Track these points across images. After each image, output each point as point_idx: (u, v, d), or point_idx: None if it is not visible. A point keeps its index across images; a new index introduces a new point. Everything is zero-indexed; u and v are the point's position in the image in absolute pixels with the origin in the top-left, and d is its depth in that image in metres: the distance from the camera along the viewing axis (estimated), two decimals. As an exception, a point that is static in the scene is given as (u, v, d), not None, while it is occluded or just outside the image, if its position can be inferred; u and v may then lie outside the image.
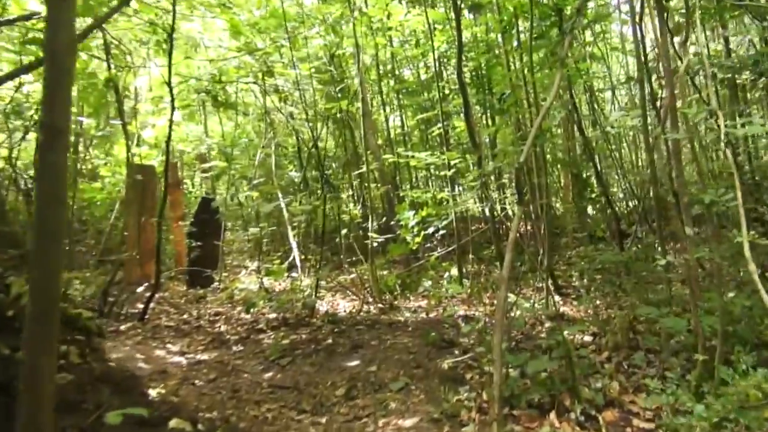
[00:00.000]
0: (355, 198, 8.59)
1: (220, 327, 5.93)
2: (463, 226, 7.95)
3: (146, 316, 6.10)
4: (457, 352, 4.43)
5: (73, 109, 6.63)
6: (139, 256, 8.99)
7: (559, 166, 8.39)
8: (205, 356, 4.99)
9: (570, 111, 6.40)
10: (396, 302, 6.72)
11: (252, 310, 5.88)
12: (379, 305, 6.54)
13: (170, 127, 5.77)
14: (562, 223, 8.62)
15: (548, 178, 6.64)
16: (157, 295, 8.24)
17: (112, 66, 6.04)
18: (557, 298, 5.93)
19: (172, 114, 5.77)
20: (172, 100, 5.76)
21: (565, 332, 3.69)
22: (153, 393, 3.03)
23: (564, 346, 2.95)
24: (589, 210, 8.55)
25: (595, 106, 8.28)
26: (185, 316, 6.56)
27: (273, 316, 6.15)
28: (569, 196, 8.73)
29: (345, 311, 6.50)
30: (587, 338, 4.44)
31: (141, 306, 6.31)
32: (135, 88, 9.05)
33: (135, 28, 6.50)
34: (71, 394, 2.68)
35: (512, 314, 5.56)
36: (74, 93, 6.85)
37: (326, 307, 6.66)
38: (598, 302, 5.42)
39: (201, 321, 6.25)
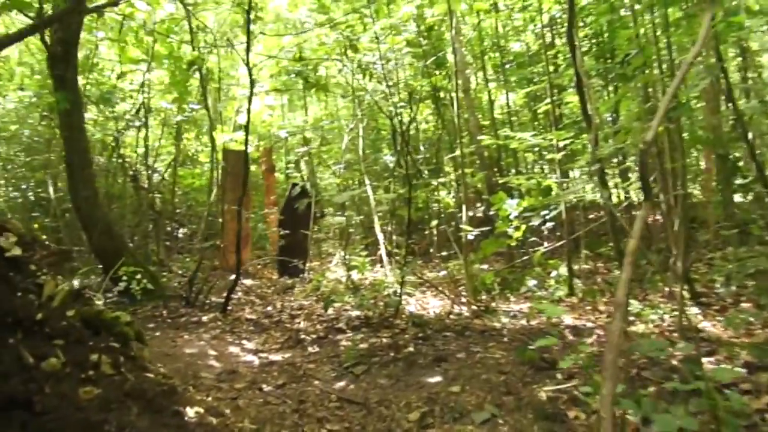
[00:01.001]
0: (450, 185, 7.95)
1: (299, 323, 5.66)
2: (576, 217, 7.02)
3: (228, 308, 6.00)
4: (559, 376, 3.70)
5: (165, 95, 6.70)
6: (234, 242, 9.12)
7: (699, 146, 7.09)
8: (278, 356, 4.72)
9: (717, 77, 5.23)
10: (493, 304, 6.04)
11: (330, 308, 5.52)
12: (473, 307, 5.90)
13: (249, 109, 5.54)
14: (703, 216, 7.31)
15: (685, 160, 5.52)
16: (249, 282, 8.32)
17: (196, 49, 5.93)
18: (695, 309, 4.91)
19: (251, 95, 5.53)
20: (251, 81, 5.52)
21: (705, 363, 2.84)
22: (190, 412, 2.71)
23: (707, 397, 2.17)
24: (738, 199, 7.15)
25: (750, 71, 6.85)
26: (269, 309, 6.41)
27: (355, 314, 5.77)
28: (711, 183, 7.38)
29: (433, 312, 5.95)
30: (738, 368, 3.49)
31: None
32: (225, 72, 9.09)
33: (221, 9, 6.37)
34: (95, 412, 2.42)
35: (632, 329, 4.67)
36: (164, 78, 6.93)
37: (413, 306, 6.15)
38: (751, 319, 4.36)
39: (282, 315, 6.04)
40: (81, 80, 6.64)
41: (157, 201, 10.36)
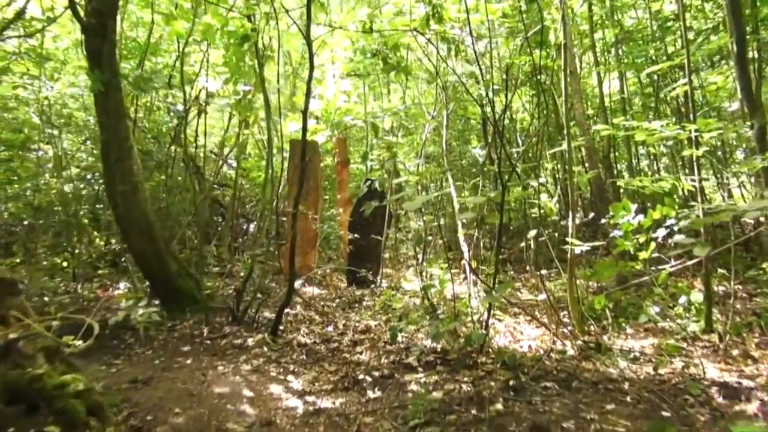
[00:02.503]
0: (551, 186, 6.68)
1: (361, 353, 4.74)
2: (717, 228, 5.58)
3: (280, 328, 5.20)
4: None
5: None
6: (301, 244, 8.40)
7: None
8: (328, 402, 3.83)
9: None
10: (605, 337, 4.83)
11: (397, 337, 4.56)
12: (579, 341, 4.72)
13: (308, 89, 4.67)
14: None
15: None
16: (313, 290, 7.56)
17: (250, 20, 5.14)
18: None
19: (311, 75, 4.67)
20: (311, 58, 4.65)
21: None
22: None
23: None
24: None
25: None
26: (329, 329, 5.56)
27: (430, 344, 4.77)
28: None
29: (528, 347, 4.82)
30: None
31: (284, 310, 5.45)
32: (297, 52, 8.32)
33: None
34: None
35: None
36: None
37: (503, 337, 5.05)
38: None
39: (343, 339, 5.16)
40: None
41: (223, 195, 9.91)
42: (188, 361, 4.33)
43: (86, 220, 6.98)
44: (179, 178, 8.09)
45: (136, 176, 5.24)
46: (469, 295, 5.30)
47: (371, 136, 8.99)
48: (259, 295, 5.81)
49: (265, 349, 4.73)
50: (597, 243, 5.04)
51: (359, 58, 7.92)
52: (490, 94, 5.17)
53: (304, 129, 4.83)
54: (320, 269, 8.70)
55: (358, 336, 5.29)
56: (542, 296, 5.18)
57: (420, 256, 7.63)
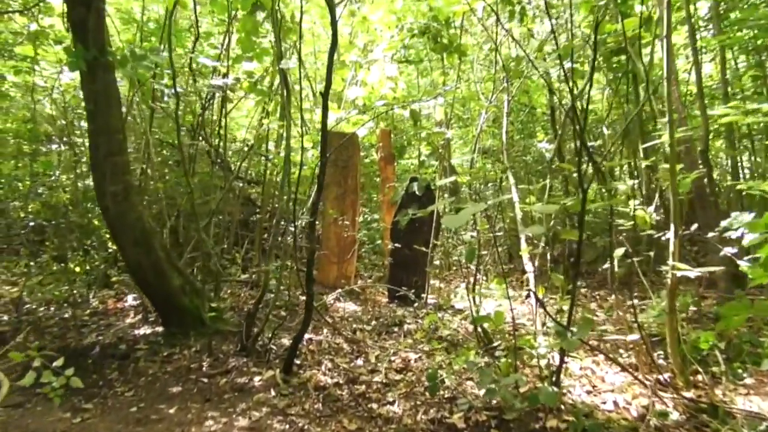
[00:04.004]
0: (641, 189, 5.46)
1: (393, 403, 3.78)
2: None
3: (295, 362, 4.31)
4: None
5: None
6: (337, 252, 7.53)
7: None
8: (342, 481, 2.88)
9: None
10: (717, 391, 3.69)
11: (437, 391, 3.57)
12: (684, 396, 3.59)
13: (329, 68, 3.75)
14: None
15: None
16: (347, 307, 6.66)
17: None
18: None
19: (332, 51, 3.73)
20: (333, 24, 3.71)
21: None
22: None
23: None
24: None
25: None
26: (358, 362, 4.62)
27: (482, 395, 3.75)
28: None
29: (614, 404, 3.71)
30: None
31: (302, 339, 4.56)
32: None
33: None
34: None
35: None
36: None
37: (579, 389, 3.95)
38: None
39: (373, 379, 4.22)
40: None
41: (258, 193, 9.17)
42: (172, 410, 3.49)
43: (97, 221, 6.35)
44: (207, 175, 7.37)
45: (130, 174, 4.47)
46: (535, 327, 4.23)
47: (414, 128, 7.98)
48: (274, 318, 4.94)
49: (273, 393, 3.84)
50: (712, 268, 3.85)
51: (407, 35, 6.93)
52: (566, 67, 4.08)
53: (325, 115, 3.90)
54: (360, 281, 7.81)
55: (392, 375, 4.32)
56: (634, 337, 4.03)
57: (472, 273, 6.58)
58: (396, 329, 5.74)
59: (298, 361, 4.40)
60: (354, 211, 7.64)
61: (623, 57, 5.90)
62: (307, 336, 5.10)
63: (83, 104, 7.01)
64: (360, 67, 8.20)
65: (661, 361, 4.30)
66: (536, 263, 4.49)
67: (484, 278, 8.86)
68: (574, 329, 3.20)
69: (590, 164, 3.66)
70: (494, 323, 3.88)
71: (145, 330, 5.09)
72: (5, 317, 5.50)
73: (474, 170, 4.52)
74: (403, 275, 7.02)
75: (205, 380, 3.97)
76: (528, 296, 7.23)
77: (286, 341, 4.91)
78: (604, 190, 3.89)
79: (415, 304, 6.44)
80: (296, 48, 4.86)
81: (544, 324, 4.39)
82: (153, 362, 4.24)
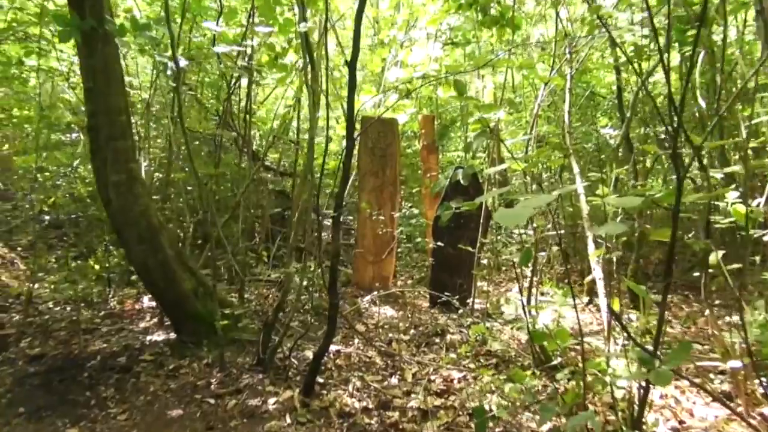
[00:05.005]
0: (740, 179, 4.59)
1: (430, 436, 3.14)
2: None
3: (318, 380, 3.73)
4: None
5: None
6: (373, 250, 6.92)
7: None
8: None
9: None
10: None
11: (484, 429, 2.91)
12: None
13: (356, 35, 3.13)
14: None
15: None
16: (383, 312, 6.04)
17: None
18: None
19: (361, 8, 3.11)
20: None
21: None
22: None
23: None
24: None
25: None
26: (392, 381, 4.00)
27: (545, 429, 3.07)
28: None
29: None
30: None
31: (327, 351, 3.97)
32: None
33: None
34: None
35: None
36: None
37: (663, 427, 3.22)
38: None
39: (410, 403, 3.58)
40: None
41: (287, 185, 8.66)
42: (164, 443, 2.97)
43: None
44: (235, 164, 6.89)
45: (134, 162, 3.97)
46: (607, 348, 3.50)
47: (459, 99, 7.26)
48: (297, 327, 4.37)
49: (289, 420, 3.27)
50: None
51: (452, 6, 6.24)
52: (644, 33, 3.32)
53: (352, 88, 3.28)
54: (399, 282, 7.18)
55: (431, 399, 3.68)
56: (735, 363, 3.26)
57: (527, 277, 5.85)
58: (437, 340, 5.09)
59: (321, 379, 3.81)
60: (392, 205, 7.01)
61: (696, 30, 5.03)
62: (335, 347, 4.52)
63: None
64: (401, 46, 7.55)
65: (761, 388, 3.51)
66: (605, 268, 3.75)
67: (538, 281, 8.09)
68: (664, 355, 2.48)
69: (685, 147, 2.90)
70: (555, 341, 3.18)
71: (157, 336, 4.62)
72: (16, 317, 5.15)
73: (532, 155, 3.80)
74: (446, 277, 6.35)
75: (212, 401, 3.43)
76: (590, 302, 6.44)
77: (311, 353, 4.33)
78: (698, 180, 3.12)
79: (460, 311, 5.76)
80: (322, 14, 4.25)
81: (616, 340, 3.65)
82: (156, 377, 3.74)
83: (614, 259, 3.98)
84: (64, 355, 4.09)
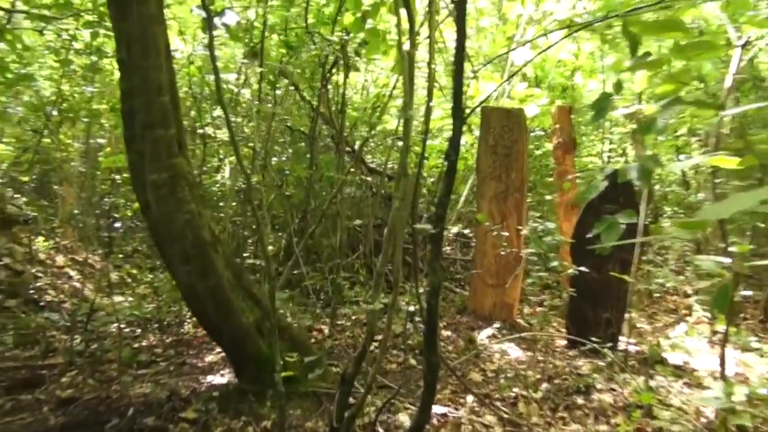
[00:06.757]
0: None
1: None
2: None
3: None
4: None
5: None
6: (495, 271, 5.60)
7: None
8: None
9: None
10: None
11: None
12: None
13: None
14: None
15: None
16: (509, 351, 4.66)
17: None
18: None
19: None
20: None
21: None
22: None
23: None
24: None
25: None
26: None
27: None
28: None
29: None
30: None
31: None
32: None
33: None
34: None
35: None
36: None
37: None
38: None
39: None
40: None
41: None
42: None
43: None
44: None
45: (181, 156, 3.06)
46: None
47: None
48: (387, 383, 3.21)
49: None
50: None
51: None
52: None
53: (460, 63, 2.08)
54: (526, 309, 5.80)
55: None
56: None
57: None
58: (580, 401, 3.70)
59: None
60: (519, 216, 5.65)
61: None
62: (440, 409, 3.31)
63: (211, 76, 5.88)
64: (529, 22, 6.18)
65: None
66: None
67: (708, 316, 6.29)
68: None
69: None
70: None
71: (219, 378, 3.71)
72: (79, 341, 4.50)
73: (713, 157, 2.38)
74: (588, 310, 4.90)
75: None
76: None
77: (407, 417, 3.15)
78: None
79: (609, 355, 4.28)
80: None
81: None
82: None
83: None
84: (98, 401, 3.28)
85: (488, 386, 3.85)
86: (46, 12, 4.35)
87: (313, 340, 4.48)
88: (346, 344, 4.55)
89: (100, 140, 7.13)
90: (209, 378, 3.70)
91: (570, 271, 4.57)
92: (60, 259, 6.63)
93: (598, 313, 4.88)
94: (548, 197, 7.77)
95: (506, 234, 5.22)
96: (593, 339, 4.15)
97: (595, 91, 7.48)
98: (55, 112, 5.49)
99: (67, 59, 4.79)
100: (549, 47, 5.49)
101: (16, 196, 6.53)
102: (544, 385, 3.92)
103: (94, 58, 5.14)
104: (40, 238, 6.45)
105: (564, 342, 5.02)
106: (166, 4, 4.66)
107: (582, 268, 4.57)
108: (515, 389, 3.79)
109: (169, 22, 4.44)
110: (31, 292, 5.74)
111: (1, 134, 6.42)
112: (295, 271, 4.97)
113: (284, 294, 4.85)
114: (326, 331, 4.71)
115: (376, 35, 3.30)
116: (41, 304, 5.69)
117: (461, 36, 2.19)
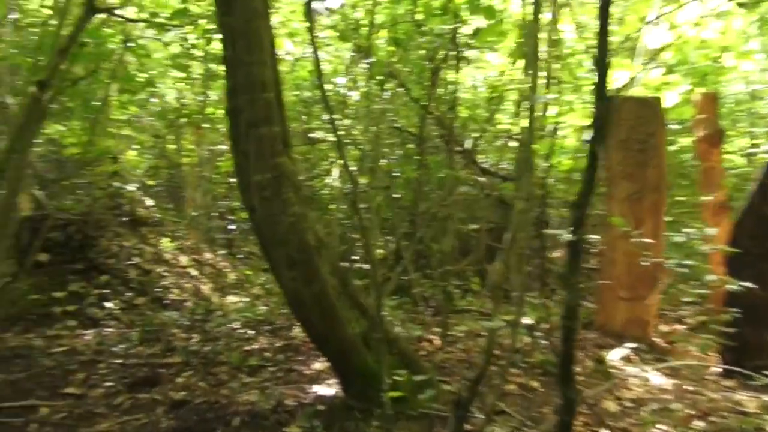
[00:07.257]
0: None
1: None
2: None
3: None
4: None
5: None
6: (628, 282, 4.96)
7: None
8: None
9: None
10: None
11: None
12: None
13: None
14: None
15: None
16: (647, 378, 4.02)
17: None
18: None
19: None
20: None
21: None
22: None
23: None
24: None
25: None
26: None
27: None
28: None
29: None
30: None
31: None
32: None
33: None
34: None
35: None
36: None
37: None
38: None
39: None
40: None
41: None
42: None
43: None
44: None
45: (286, 155, 2.89)
46: None
47: None
48: (509, 411, 2.82)
49: None
50: None
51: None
52: None
53: (603, 47, 1.67)
54: (663, 326, 5.07)
55: None
56: None
57: None
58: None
59: None
60: (657, 220, 4.96)
61: None
62: None
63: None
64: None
65: None
66: None
67: None
68: None
69: None
70: None
71: (325, 389, 3.52)
72: (195, 340, 4.57)
73: None
74: (749, 331, 4.15)
75: None
76: None
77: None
78: None
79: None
80: None
81: None
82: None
83: None
84: (207, 407, 3.21)
85: (626, 419, 3.31)
86: (163, 20, 4.47)
87: (422, 352, 4.18)
88: (458, 358, 4.20)
89: (222, 147, 7.39)
90: (315, 388, 3.53)
91: (728, 286, 3.86)
92: (184, 259, 6.92)
93: (762, 336, 4.12)
94: (680, 198, 6.86)
95: (643, 240, 4.57)
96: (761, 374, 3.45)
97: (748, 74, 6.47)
98: (181, 119, 5.71)
99: (185, 65, 4.91)
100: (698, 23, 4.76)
101: (145, 199, 6.92)
102: (698, 423, 3.29)
103: (211, 65, 5.26)
104: (166, 239, 6.76)
105: (718, 370, 4.29)
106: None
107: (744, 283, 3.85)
108: (661, 426, 3.21)
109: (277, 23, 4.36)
110: (157, 290, 6.01)
111: (133, 142, 6.84)
112: (403, 277, 4.70)
113: (393, 301, 4.61)
114: (436, 342, 4.41)
115: (491, 14, 2.93)
116: (165, 302, 5.94)
117: (603, 35, 1.77)
